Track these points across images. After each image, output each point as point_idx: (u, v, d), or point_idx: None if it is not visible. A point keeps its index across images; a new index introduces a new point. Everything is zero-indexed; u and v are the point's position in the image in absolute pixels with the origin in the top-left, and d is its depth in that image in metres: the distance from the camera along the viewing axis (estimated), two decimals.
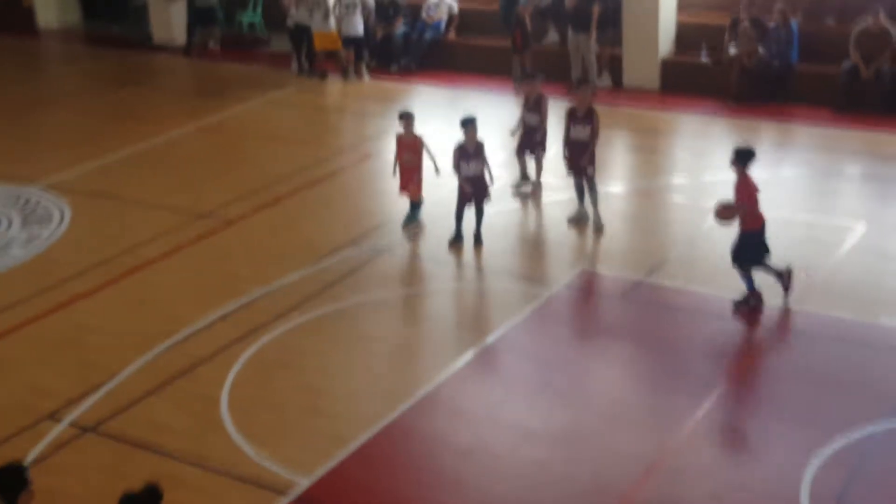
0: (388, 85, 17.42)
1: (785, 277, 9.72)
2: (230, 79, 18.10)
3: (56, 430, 8.33)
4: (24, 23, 22.00)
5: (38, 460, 7.98)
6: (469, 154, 11.12)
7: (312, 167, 13.68)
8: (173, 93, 17.76)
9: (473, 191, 11.11)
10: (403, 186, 11.71)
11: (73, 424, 8.43)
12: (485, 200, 11.18)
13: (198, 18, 19.25)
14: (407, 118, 11.69)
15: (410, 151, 11.60)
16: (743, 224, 9.63)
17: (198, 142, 15.07)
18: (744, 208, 9.53)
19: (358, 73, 17.63)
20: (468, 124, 11.13)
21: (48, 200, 13.03)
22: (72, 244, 11.79)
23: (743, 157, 9.69)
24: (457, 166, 11.19)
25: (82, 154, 14.51)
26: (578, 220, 11.66)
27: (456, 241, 11.17)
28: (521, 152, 12.57)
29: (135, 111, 16.57)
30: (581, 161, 11.43)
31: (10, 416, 8.53)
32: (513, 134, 12.75)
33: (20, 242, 11.87)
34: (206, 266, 11.04)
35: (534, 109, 12.35)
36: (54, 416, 8.51)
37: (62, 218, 12.48)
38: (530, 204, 12.42)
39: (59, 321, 10.09)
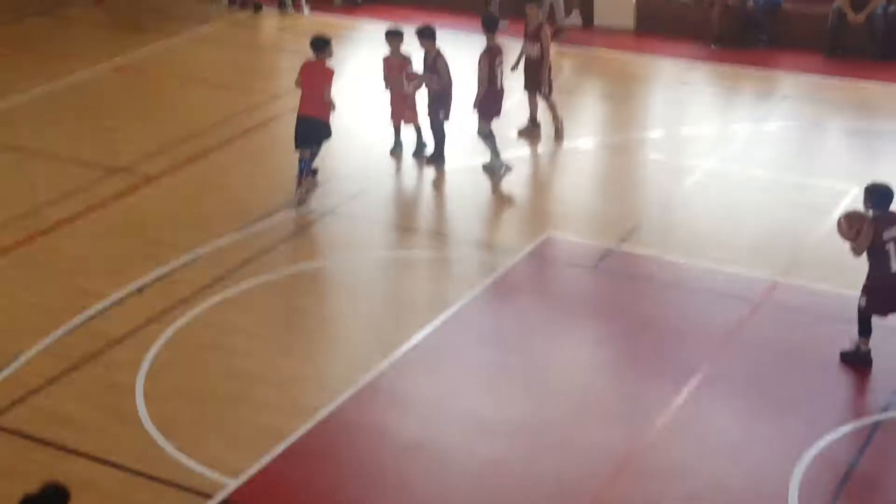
0: (330, 20, 17.15)
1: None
2: (150, 10, 17.81)
3: None
4: None
5: None
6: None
7: (243, 115, 13.57)
8: (84, 26, 17.37)
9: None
10: (397, 113, 11.97)
11: None
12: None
13: None
14: (394, 36, 11.93)
15: (399, 73, 11.83)
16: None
17: (112, 84, 14.83)
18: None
19: (296, 6, 17.45)
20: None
21: None
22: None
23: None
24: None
25: None
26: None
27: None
28: (529, 90, 12.60)
29: (38, 47, 16.26)
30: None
31: None
32: (513, 69, 12.63)
33: None
34: (119, 230, 10.89)
35: (533, 39, 12.32)
36: None
37: None
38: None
39: None
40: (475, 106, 11.78)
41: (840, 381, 8.46)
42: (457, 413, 8.19)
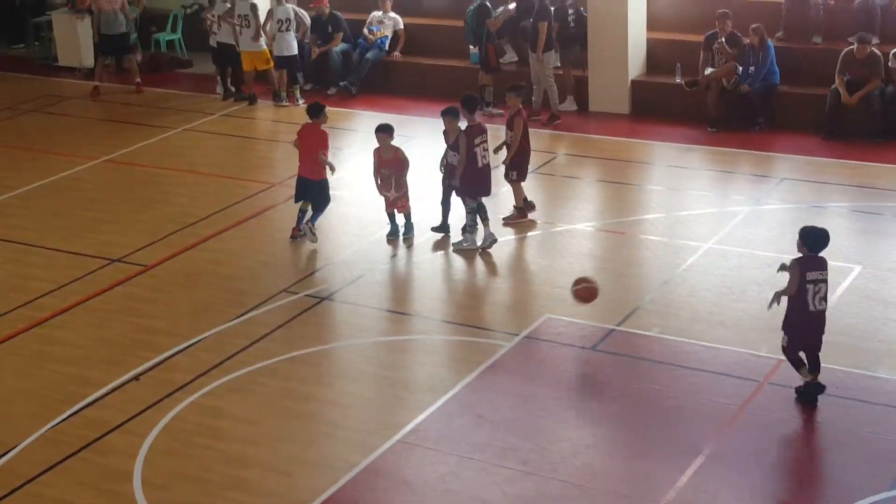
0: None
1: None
2: (146, 105, 18.03)
3: None
4: None
5: None
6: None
7: (239, 205, 13.66)
8: (80, 121, 17.59)
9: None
10: (390, 203, 12.29)
11: None
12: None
13: (105, 47, 18.82)
14: (384, 132, 12.19)
15: (390, 166, 12.09)
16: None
17: (108, 176, 14.99)
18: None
19: (291, 98, 17.66)
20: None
21: None
22: None
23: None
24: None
25: None
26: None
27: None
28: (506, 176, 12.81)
29: (35, 141, 16.44)
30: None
31: None
32: (496, 151, 12.83)
33: None
34: (116, 319, 10.94)
35: (508, 125, 12.57)
36: None
37: None
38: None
39: None
40: (457, 185, 12.07)
41: (848, 460, 8.42)
42: (459, 495, 8.16)
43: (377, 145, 12.28)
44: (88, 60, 19.49)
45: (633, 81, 16.69)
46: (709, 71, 15.84)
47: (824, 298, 9.09)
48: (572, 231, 12.64)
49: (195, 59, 19.96)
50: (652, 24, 17.01)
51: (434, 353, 10.32)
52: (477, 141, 12.07)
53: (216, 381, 9.73)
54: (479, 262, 12.07)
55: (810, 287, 9.00)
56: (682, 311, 10.70)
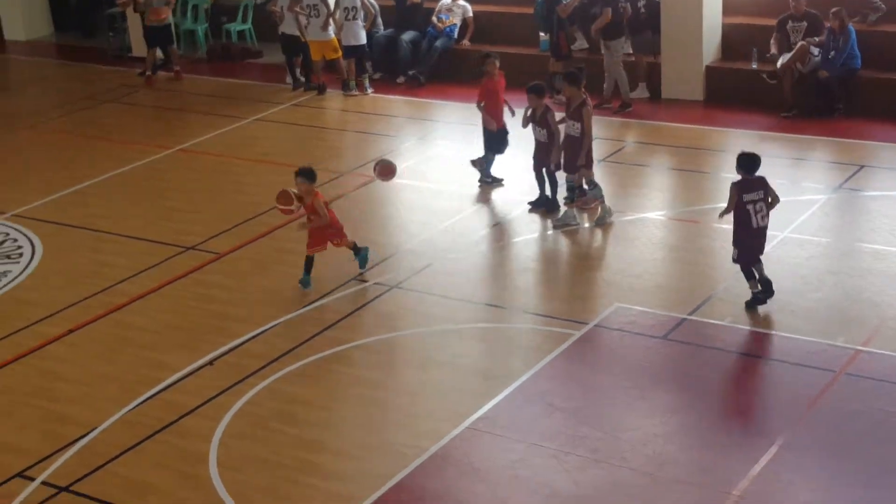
0: (393, 100, 17.61)
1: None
2: (217, 95, 18.32)
3: (27, 491, 8.40)
4: None
5: None
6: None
7: None
8: (153, 111, 17.98)
9: None
10: (334, 242, 11.48)
11: (45, 483, 8.50)
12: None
13: (151, 39, 19.18)
14: (306, 177, 11.29)
15: (315, 214, 11.30)
16: None
17: (182, 165, 15.24)
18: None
19: (359, 87, 17.80)
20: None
21: (15, 233, 13.21)
22: (42, 282, 11.93)
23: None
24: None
25: (53, 180, 14.72)
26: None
27: None
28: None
29: (110, 132, 16.78)
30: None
31: None
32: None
33: None
34: (191, 305, 11.13)
35: (575, 117, 12.47)
36: (24, 474, 8.59)
37: (31, 253, 12.64)
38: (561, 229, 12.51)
39: (28, 369, 10.19)
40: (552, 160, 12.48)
41: None
42: (528, 481, 8.22)
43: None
44: (141, 51, 19.76)
45: (707, 67, 16.59)
46: (784, 58, 15.68)
47: (766, 216, 10.26)
48: (643, 220, 12.65)
49: (265, 49, 20.22)
50: (727, 9, 16.86)
51: (503, 342, 10.39)
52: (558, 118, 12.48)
53: (288, 366, 9.89)
54: (548, 251, 12.16)
55: (751, 207, 10.17)
56: None
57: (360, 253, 11.61)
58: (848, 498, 7.94)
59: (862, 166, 13.94)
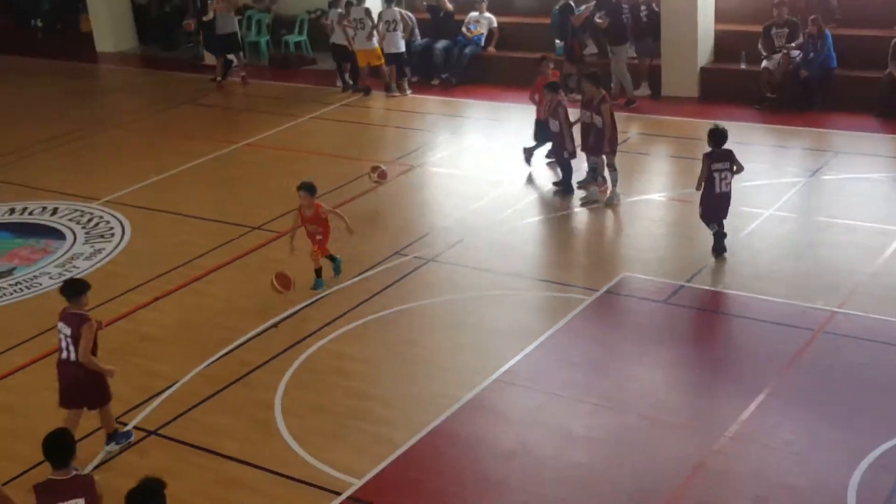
0: (429, 99, 17.56)
1: None
2: (278, 97, 18.31)
3: (125, 430, 8.53)
4: (84, 48, 22.61)
5: (106, 461, 8.20)
6: None
7: (357, 181, 13.78)
8: (224, 111, 18.01)
9: None
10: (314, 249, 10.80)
11: (137, 427, 8.63)
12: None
13: (219, 46, 19.05)
14: (308, 190, 10.74)
15: (313, 223, 10.80)
16: None
17: (247, 157, 15.26)
18: None
19: (400, 89, 17.77)
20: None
21: (108, 216, 13.32)
22: (132, 257, 12.05)
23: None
24: None
25: (139, 171, 14.81)
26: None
27: None
28: (586, 149, 12.77)
29: (188, 129, 16.84)
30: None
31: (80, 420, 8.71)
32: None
33: (85, 256, 12.16)
34: (257, 276, 11.15)
35: (596, 111, 12.40)
36: (120, 420, 8.69)
37: (122, 233, 12.73)
38: (571, 208, 12.44)
39: (122, 330, 10.30)
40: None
41: (894, 398, 8.32)
42: (547, 426, 8.26)
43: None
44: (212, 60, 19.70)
45: (701, 69, 16.46)
46: (771, 61, 15.55)
47: (728, 183, 10.66)
48: (647, 200, 12.59)
49: (319, 57, 20.23)
50: (719, 16, 16.72)
51: (525, 306, 10.38)
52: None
53: (340, 329, 9.93)
54: (564, 228, 12.11)
55: (717, 175, 10.55)
56: (745, 269, 10.62)
57: (335, 262, 10.95)
58: (825, 438, 7.93)
59: (837, 152, 13.81)
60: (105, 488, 6.34)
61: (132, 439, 8.48)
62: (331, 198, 13.16)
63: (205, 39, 19.49)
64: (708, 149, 10.70)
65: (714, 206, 10.75)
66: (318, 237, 10.78)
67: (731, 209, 11.01)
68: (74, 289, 8.11)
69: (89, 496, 6.13)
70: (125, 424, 8.65)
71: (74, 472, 6.27)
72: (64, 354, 8.03)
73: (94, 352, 8.00)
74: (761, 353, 9.13)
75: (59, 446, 6.18)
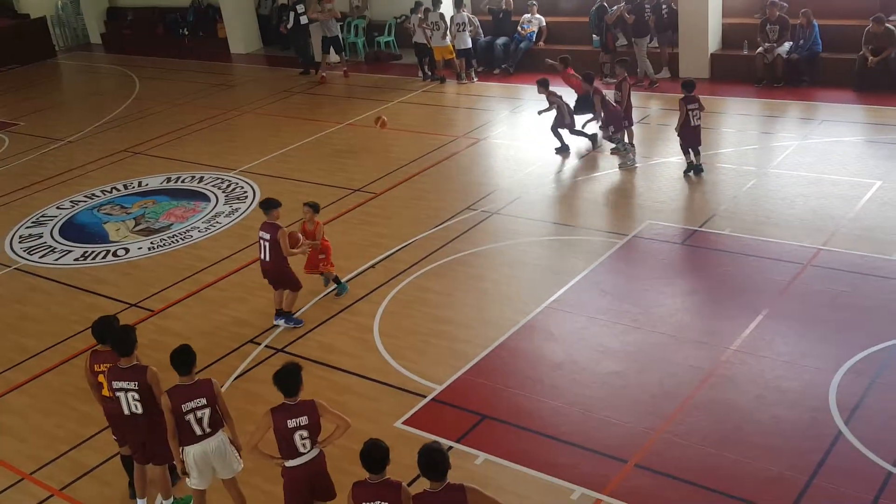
0: (491, 85, 17.32)
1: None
2: (372, 86, 18.22)
3: (256, 351, 8.69)
4: (221, 50, 22.79)
5: (244, 373, 8.36)
6: None
7: (435, 151, 13.74)
8: (330, 98, 17.93)
9: None
10: (320, 266, 9.42)
11: (267, 346, 8.77)
12: None
13: (325, 45, 18.92)
14: (270, 207, 8.88)
15: (312, 238, 9.33)
16: None
17: (349, 134, 15.24)
18: None
19: (468, 77, 17.57)
20: None
21: (243, 182, 13.47)
22: (261, 214, 11.89)
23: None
24: None
25: (266, 146, 14.90)
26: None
27: None
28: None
29: (302, 113, 16.84)
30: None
31: (222, 341, 8.93)
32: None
33: (225, 214, 12.33)
34: (359, 228, 11.23)
35: (616, 88, 12.51)
36: (254, 341, 8.87)
37: (254, 195, 12.87)
38: (608, 168, 12.22)
39: (255, 271, 10.32)
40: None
41: (868, 318, 8.13)
42: (588, 341, 8.24)
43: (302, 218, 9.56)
44: (335, 58, 19.63)
45: (712, 55, 15.98)
46: (766, 46, 14.98)
47: (699, 119, 11.45)
48: (666, 163, 12.33)
49: (404, 53, 20.09)
50: (726, 12, 16.20)
51: (569, 248, 10.29)
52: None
53: (424, 268, 9.94)
54: (600, 186, 11.91)
55: (690, 113, 11.37)
56: (747, 216, 10.39)
57: (341, 283, 9.47)
58: (811, 349, 7.79)
59: (822, 121, 13.37)
60: (245, 392, 6.40)
61: (301, 325, 8.82)
62: (416, 165, 13.13)
63: (294, 41, 19.32)
64: (682, 96, 11.46)
65: (690, 137, 11.45)
66: (321, 255, 9.30)
67: (734, 168, 10.70)
68: (268, 204, 8.75)
69: (210, 396, 6.00)
70: (258, 344, 8.79)
71: (196, 379, 6.08)
72: (262, 255, 8.75)
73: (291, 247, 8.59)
74: (760, 283, 8.98)
75: (183, 357, 6.03)
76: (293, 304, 8.95)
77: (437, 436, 7.00)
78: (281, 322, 8.88)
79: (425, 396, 7.63)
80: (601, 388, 7.56)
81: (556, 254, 10.19)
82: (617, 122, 12.24)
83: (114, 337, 6.26)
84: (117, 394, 6.24)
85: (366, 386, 7.90)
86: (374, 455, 5.05)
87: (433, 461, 4.91)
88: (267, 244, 8.66)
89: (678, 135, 11.58)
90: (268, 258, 8.69)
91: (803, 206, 10.51)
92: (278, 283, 8.89)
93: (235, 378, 8.21)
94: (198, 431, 6.02)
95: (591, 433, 7.00)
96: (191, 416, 5.96)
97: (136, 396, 6.19)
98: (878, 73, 14.20)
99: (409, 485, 5.25)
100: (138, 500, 6.70)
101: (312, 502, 5.95)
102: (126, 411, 6.26)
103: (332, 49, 19.00)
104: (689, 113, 11.40)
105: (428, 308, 9.13)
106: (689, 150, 11.59)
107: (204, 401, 6.00)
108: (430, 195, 11.99)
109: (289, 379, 5.73)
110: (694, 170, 11.59)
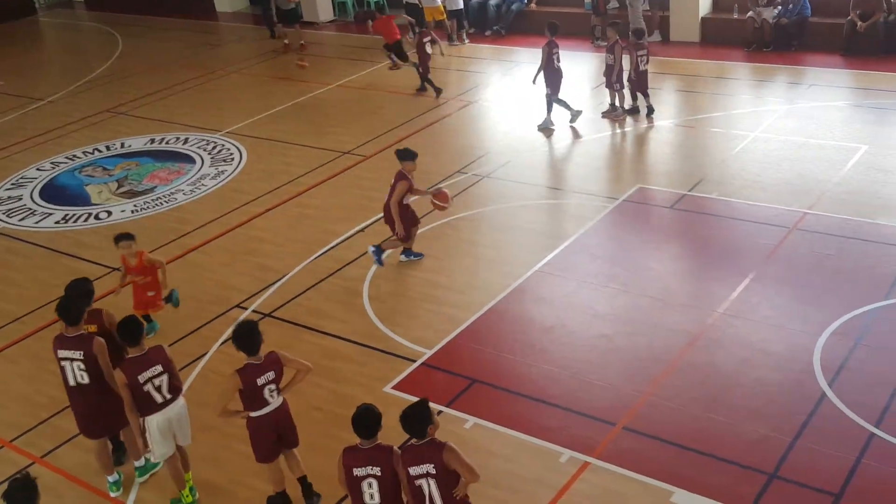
0: (483, 47, 17.12)
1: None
2: (361, 46, 17.97)
3: (242, 316, 8.61)
4: (206, 9, 22.37)
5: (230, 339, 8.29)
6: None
7: (425, 113, 13.59)
8: (319, 59, 17.64)
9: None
10: (147, 304, 8.09)
11: (254, 311, 8.70)
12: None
13: (282, 19, 18.28)
14: (125, 240, 7.93)
15: (137, 272, 8.00)
16: None
17: (339, 96, 15.06)
18: None
19: (459, 38, 17.36)
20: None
21: (229, 144, 13.30)
22: (248, 177, 12.02)
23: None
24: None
25: (252, 108, 14.70)
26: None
27: None
28: (608, 85, 12.59)
29: (290, 74, 16.60)
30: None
31: (208, 306, 8.86)
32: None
33: (211, 176, 12.19)
34: (348, 191, 11.14)
35: (609, 51, 12.36)
36: (240, 305, 8.81)
37: (241, 157, 12.73)
38: (597, 131, 12.15)
39: (241, 235, 10.37)
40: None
41: (855, 279, 8.16)
42: (578, 305, 8.23)
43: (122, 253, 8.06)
44: (325, 15, 19.10)
45: (702, 18, 15.83)
46: (756, 11, 14.87)
47: (647, 64, 12.07)
48: (657, 127, 12.26)
49: (394, 13, 19.63)
50: None
51: (559, 212, 10.25)
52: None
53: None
54: (590, 149, 11.83)
55: (639, 58, 11.91)
56: (735, 180, 10.36)
57: (172, 298, 8.33)
58: (796, 312, 7.82)
59: (810, 85, 13.32)
60: (230, 357, 6.30)
61: (381, 266, 8.96)
62: (406, 127, 12.99)
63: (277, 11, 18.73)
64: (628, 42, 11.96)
65: (640, 81, 12.12)
66: (151, 293, 8.00)
67: (723, 132, 10.65)
68: (405, 155, 9.01)
69: (164, 362, 5.91)
70: (245, 308, 8.71)
71: (146, 348, 5.92)
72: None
73: None
74: (746, 246, 8.97)
75: (131, 327, 5.85)
76: (392, 245, 9.08)
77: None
78: (371, 250, 9.06)
79: (415, 361, 7.61)
80: (590, 351, 7.56)
81: (546, 218, 10.13)
82: (555, 85, 12.20)
83: (61, 304, 6.01)
84: (62, 363, 6.03)
85: (355, 350, 7.87)
86: (365, 421, 5.05)
87: (412, 417, 4.94)
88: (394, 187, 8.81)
89: (629, 80, 12.16)
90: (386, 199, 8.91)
91: (790, 170, 10.49)
92: (389, 224, 9.04)
93: (221, 343, 8.15)
94: (159, 399, 5.94)
95: (579, 396, 7.03)
96: (149, 386, 5.87)
97: (82, 366, 6.00)
98: (867, 37, 14.13)
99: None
100: (108, 478, 6.49)
101: (280, 450, 5.95)
102: (72, 381, 6.06)
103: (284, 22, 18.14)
104: (639, 58, 11.95)
105: (418, 272, 9.07)
106: (639, 93, 12.15)
107: (160, 367, 5.91)
108: (421, 158, 11.62)
109: (249, 339, 5.69)
110: (649, 111, 12.18)
